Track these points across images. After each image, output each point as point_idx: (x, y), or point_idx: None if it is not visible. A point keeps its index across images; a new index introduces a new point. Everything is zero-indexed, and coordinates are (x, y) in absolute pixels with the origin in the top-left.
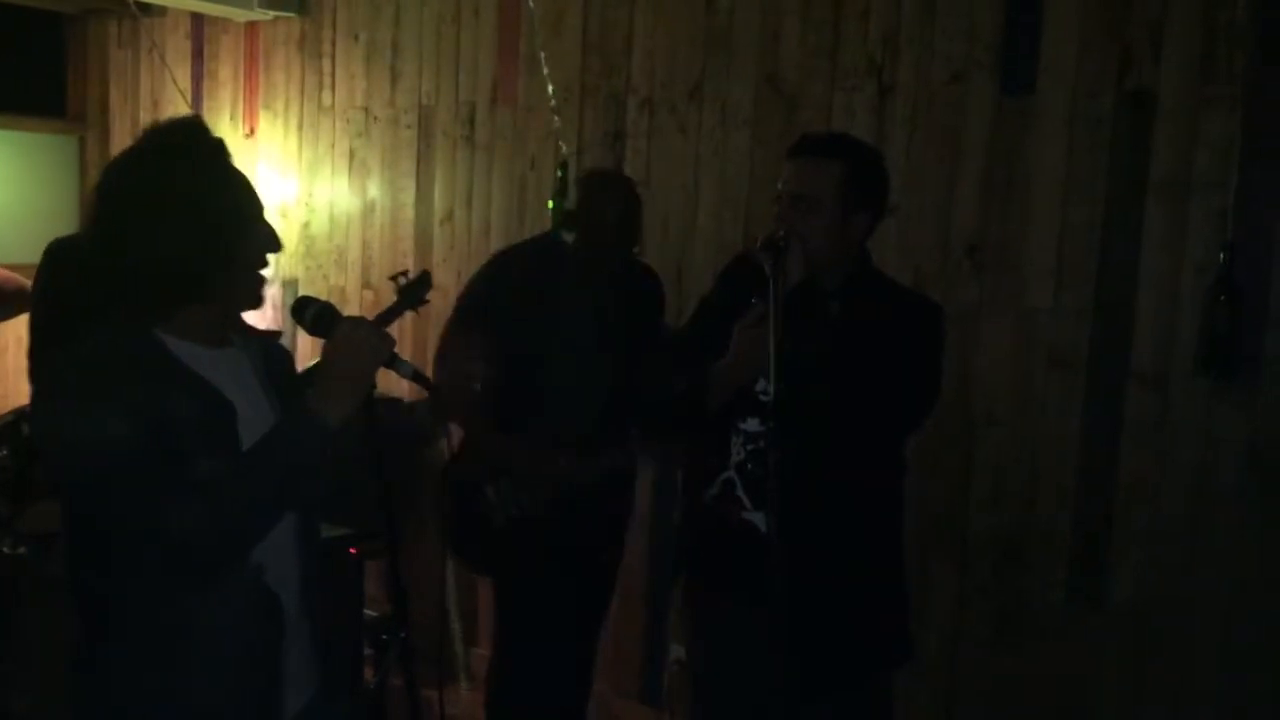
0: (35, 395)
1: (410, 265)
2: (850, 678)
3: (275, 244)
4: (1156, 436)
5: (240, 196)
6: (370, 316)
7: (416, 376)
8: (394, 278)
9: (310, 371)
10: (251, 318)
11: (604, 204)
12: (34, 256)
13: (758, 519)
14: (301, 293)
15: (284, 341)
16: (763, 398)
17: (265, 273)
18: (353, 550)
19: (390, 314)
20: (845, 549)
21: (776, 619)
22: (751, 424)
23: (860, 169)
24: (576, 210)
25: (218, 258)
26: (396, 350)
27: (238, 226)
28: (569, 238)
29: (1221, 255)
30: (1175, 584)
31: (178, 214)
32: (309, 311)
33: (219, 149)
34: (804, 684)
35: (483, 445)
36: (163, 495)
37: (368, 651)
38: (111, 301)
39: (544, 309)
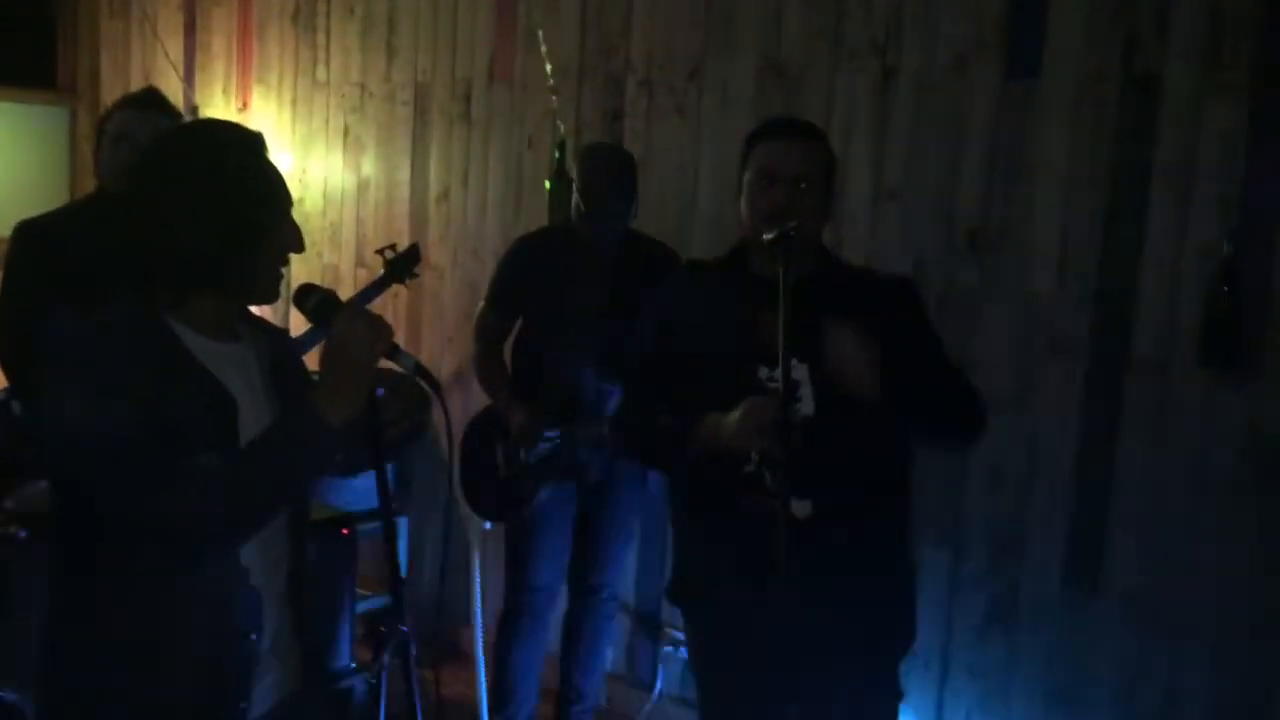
0: (35, 370)
1: (405, 244)
2: (869, 664)
3: (298, 244)
4: (1156, 423)
5: (273, 191)
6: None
7: (418, 369)
8: (381, 251)
9: (298, 342)
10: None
11: (594, 175)
12: None
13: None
14: (295, 270)
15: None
16: (770, 384)
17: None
18: (345, 531)
19: (377, 286)
20: (874, 531)
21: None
22: None
23: (831, 153)
24: (576, 183)
25: (241, 249)
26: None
27: (266, 221)
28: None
29: (1225, 244)
30: (1172, 570)
31: (210, 200)
32: (311, 300)
33: (258, 143)
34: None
35: (497, 407)
36: (158, 477)
37: (360, 632)
38: (127, 280)
39: (550, 285)
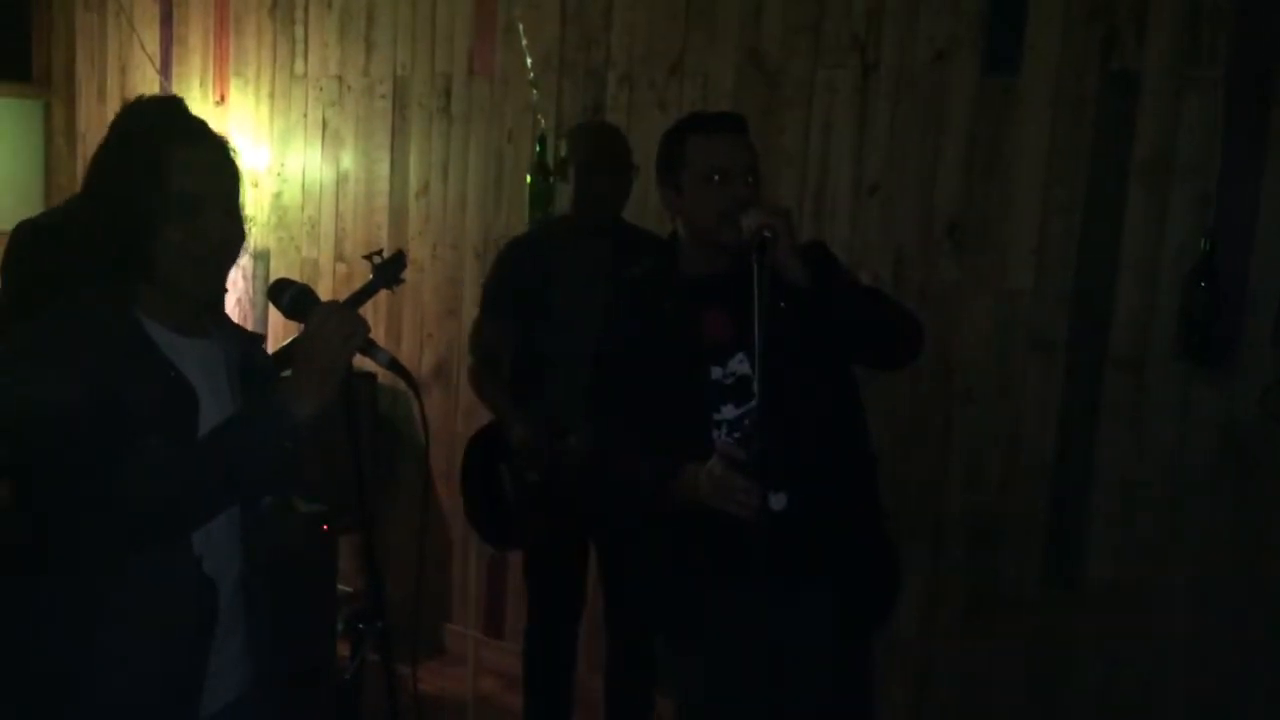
0: None
1: (385, 238)
2: (853, 636)
3: (224, 234)
4: (1133, 419)
5: (189, 180)
6: (343, 293)
7: (393, 364)
8: (368, 256)
9: (282, 353)
10: (229, 302)
11: (579, 154)
12: None
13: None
14: (274, 264)
15: (259, 327)
16: (727, 382)
17: (238, 260)
18: (325, 526)
19: (364, 293)
20: (849, 508)
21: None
22: (729, 411)
23: None
24: (567, 162)
25: (139, 235)
26: (371, 334)
27: (169, 209)
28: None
29: (1203, 240)
30: (1149, 565)
31: (112, 188)
32: (286, 295)
33: (177, 131)
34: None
35: (501, 423)
36: (106, 459)
37: (340, 627)
38: (67, 272)
39: (547, 285)
